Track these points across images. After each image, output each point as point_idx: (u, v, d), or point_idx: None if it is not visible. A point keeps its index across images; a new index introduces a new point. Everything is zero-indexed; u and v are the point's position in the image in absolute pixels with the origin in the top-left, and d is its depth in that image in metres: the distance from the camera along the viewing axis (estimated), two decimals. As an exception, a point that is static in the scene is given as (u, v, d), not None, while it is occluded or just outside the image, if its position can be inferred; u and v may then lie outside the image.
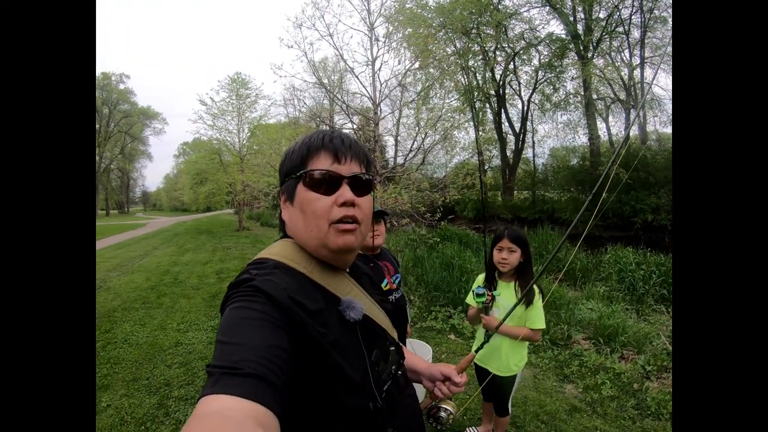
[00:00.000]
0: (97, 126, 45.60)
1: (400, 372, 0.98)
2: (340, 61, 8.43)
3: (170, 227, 24.13)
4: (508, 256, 2.23)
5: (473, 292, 2.34)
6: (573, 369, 3.80)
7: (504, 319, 1.64)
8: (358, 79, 8.45)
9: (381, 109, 8.39)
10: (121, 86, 47.43)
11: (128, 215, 54.49)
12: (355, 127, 8.66)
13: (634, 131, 19.08)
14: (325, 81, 9.86)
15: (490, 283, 2.32)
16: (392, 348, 0.98)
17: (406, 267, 7.14)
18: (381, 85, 8.34)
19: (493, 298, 2.26)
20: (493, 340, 2.23)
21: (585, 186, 17.03)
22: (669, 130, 18.73)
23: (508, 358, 2.33)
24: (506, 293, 2.28)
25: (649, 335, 4.34)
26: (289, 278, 0.80)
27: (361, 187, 0.88)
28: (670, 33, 17.00)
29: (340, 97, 9.12)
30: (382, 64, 8.24)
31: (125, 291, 7.31)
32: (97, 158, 46.63)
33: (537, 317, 2.23)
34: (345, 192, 0.85)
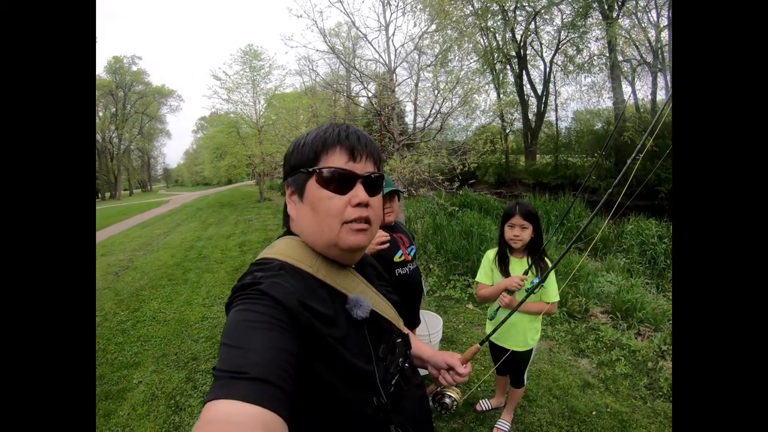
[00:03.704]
0: (113, 109, 46.28)
1: (407, 364, 0.97)
2: (352, 27, 8.16)
3: (192, 202, 24.56)
4: (520, 232, 2.19)
5: (489, 268, 2.33)
6: (589, 343, 3.76)
7: (526, 297, 1.58)
8: (371, 45, 8.19)
9: (397, 75, 8.15)
10: (134, 68, 47.55)
11: (151, 193, 55.77)
12: (370, 94, 8.47)
13: (661, 96, 18.23)
14: (340, 48, 9.58)
15: (503, 260, 2.28)
16: (399, 340, 0.97)
17: (426, 234, 7.12)
18: (396, 50, 8.07)
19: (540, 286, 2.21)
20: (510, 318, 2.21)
21: (610, 151, 16.49)
22: None
23: (525, 334, 2.32)
24: (519, 269, 2.24)
25: (668, 312, 4.23)
26: (295, 280, 0.79)
27: (374, 186, 0.87)
28: None
29: (354, 65, 8.89)
30: (395, 28, 7.93)
31: (151, 269, 7.51)
32: (116, 140, 47.56)
33: (552, 290, 2.23)
34: (360, 192, 0.84)
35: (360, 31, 8.18)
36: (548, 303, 2.23)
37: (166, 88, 51.60)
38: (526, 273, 2.15)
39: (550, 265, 2.18)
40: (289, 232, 0.93)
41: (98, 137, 45.08)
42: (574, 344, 3.81)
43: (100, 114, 45.54)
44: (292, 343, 0.68)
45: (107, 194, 48.05)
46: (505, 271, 2.25)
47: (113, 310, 5.41)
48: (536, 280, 2.12)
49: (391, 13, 7.97)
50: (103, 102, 45.27)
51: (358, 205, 0.83)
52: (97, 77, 41.32)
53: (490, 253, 2.37)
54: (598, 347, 3.71)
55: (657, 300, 4.71)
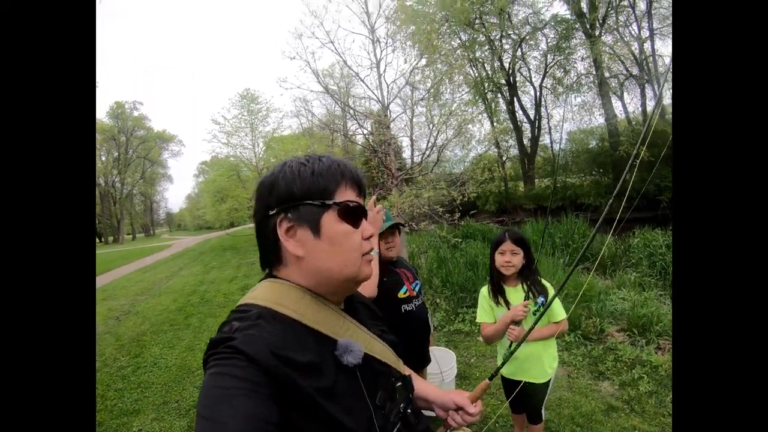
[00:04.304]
0: (115, 153, 46.97)
1: (409, 409, 0.91)
2: (344, 67, 8.38)
3: (195, 246, 24.60)
4: (511, 258, 2.15)
5: (487, 305, 2.24)
6: (608, 365, 3.65)
7: (537, 321, 1.51)
8: (364, 83, 8.38)
9: (390, 111, 8.29)
10: (135, 113, 48.65)
11: (154, 237, 55.95)
12: (366, 132, 8.59)
13: (652, 106, 18.49)
14: (334, 88, 9.80)
15: (497, 292, 2.22)
16: (399, 384, 0.91)
17: (430, 269, 7.04)
18: (388, 87, 8.24)
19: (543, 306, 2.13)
20: (523, 350, 2.12)
21: (607, 168, 16.54)
22: None
23: (542, 362, 2.21)
24: (517, 298, 2.18)
25: None
26: (274, 328, 0.74)
27: (367, 217, 0.88)
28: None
29: (349, 104, 9.07)
30: (386, 65, 8.14)
31: (153, 314, 7.43)
32: (119, 185, 48.09)
33: (557, 309, 2.17)
34: (367, 225, 0.86)
35: (352, 69, 8.39)
36: (557, 323, 2.16)
37: (167, 133, 52.60)
38: (526, 297, 2.09)
39: (545, 285, 2.15)
40: (271, 274, 0.86)
41: (101, 181, 45.57)
42: (592, 367, 3.69)
43: (103, 158, 46.22)
44: (268, 408, 0.65)
45: (110, 238, 48.19)
46: (504, 302, 2.19)
47: (113, 355, 5.30)
48: (541, 300, 2.07)
49: (381, 51, 8.18)
50: (105, 147, 45.98)
51: (370, 236, 0.86)
52: (98, 122, 42.15)
53: (484, 290, 2.31)
54: (618, 367, 3.59)
55: None
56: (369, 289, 1.82)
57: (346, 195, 0.83)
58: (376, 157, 8.03)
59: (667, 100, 18.86)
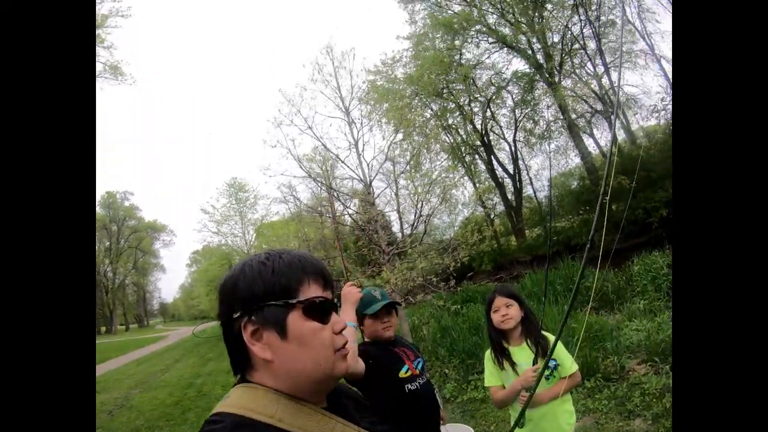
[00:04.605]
0: (107, 243, 46.73)
1: None
2: (325, 150, 8.74)
3: (190, 337, 23.83)
4: (507, 311, 2.11)
5: (493, 368, 2.16)
6: (636, 401, 3.50)
7: (549, 380, 1.54)
8: (345, 164, 8.69)
9: (373, 188, 8.53)
10: (126, 203, 49.08)
11: (148, 328, 54.22)
12: (352, 211, 8.76)
13: (621, 135, 19.23)
14: (318, 171, 10.17)
15: (500, 354, 2.15)
16: None
17: (434, 339, 6.90)
18: (368, 164, 8.55)
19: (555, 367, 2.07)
20: (537, 411, 2.03)
21: (592, 204, 16.77)
22: (652, 122, 18.84)
23: (558, 421, 2.10)
24: (523, 357, 2.11)
25: None
26: None
27: (337, 309, 0.87)
28: (620, 33, 17.85)
29: (333, 186, 9.35)
30: (364, 144, 8.50)
31: (148, 408, 7.11)
32: (111, 274, 47.43)
33: (567, 362, 2.10)
34: (339, 319, 0.84)
35: (332, 152, 8.73)
36: (569, 377, 2.06)
37: (159, 223, 52.79)
38: (535, 360, 2.02)
39: (549, 338, 2.09)
40: (243, 379, 0.82)
41: (91, 270, 44.87)
42: (620, 408, 3.54)
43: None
44: None
45: (102, 329, 46.46)
46: (510, 365, 2.11)
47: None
48: (553, 364, 2.00)
49: (358, 131, 8.58)
50: (97, 236, 45.81)
51: (341, 330, 0.83)
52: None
53: (488, 353, 2.24)
54: (647, 401, 3.44)
55: None
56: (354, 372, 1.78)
57: (311, 291, 0.80)
58: (365, 236, 8.13)
59: (634, 125, 19.77)
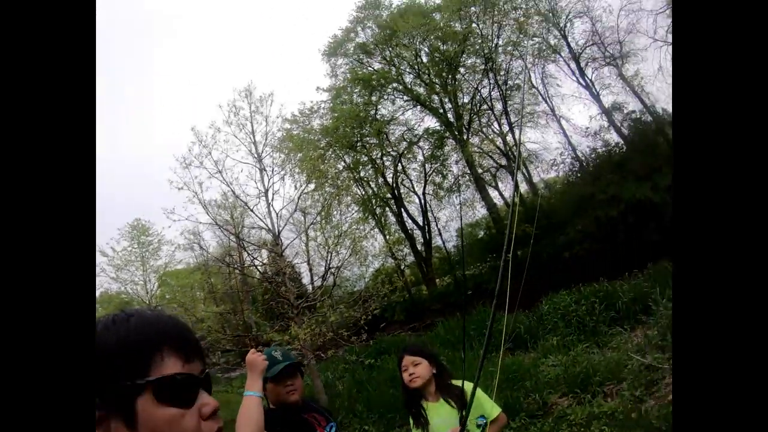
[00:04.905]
0: None
1: None
2: (234, 197, 8.36)
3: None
4: (414, 369, 2.09)
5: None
6: None
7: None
8: (253, 212, 8.37)
9: (282, 240, 8.27)
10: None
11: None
12: (260, 263, 8.36)
13: (524, 187, 21.27)
14: (227, 218, 9.67)
15: (417, 412, 2.10)
16: None
17: (350, 394, 6.60)
18: (278, 214, 8.32)
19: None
20: None
21: (500, 252, 17.91)
22: (551, 174, 21.34)
23: None
24: (441, 413, 2.06)
25: (621, 361, 4.30)
26: None
27: (209, 385, 0.68)
28: (524, 96, 20.28)
29: (240, 236, 8.90)
30: (273, 193, 8.31)
31: None
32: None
33: (488, 406, 2.09)
34: (207, 398, 0.65)
35: (240, 199, 8.36)
36: (495, 421, 2.05)
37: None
38: (462, 420, 1.91)
39: (464, 387, 2.07)
40: None
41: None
42: None
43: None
44: None
45: None
46: (425, 423, 2.05)
47: None
48: (482, 421, 1.98)
49: (269, 179, 8.37)
50: None
51: (213, 414, 0.64)
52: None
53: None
54: (576, 431, 3.54)
55: (605, 355, 4.73)
56: None
57: (168, 366, 0.62)
58: (272, 288, 7.75)
59: (536, 177, 22.00)
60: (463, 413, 1.94)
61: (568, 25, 19.26)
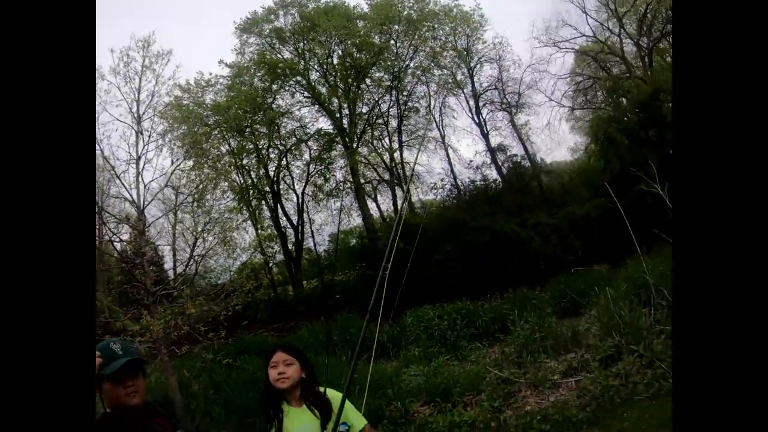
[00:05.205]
0: None
1: None
2: (103, 159, 7.08)
3: None
4: (285, 369, 1.94)
5: None
6: None
7: None
8: (120, 179, 7.22)
9: (146, 217, 7.31)
10: None
11: None
12: (120, 239, 7.27)
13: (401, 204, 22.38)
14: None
15: (275, 415, 1.94)
16: None
17: (206, 395, 6.09)
18: (146, 186, 7.34)
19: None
20: None
21: (369, 262, 18.55)
22: (430, 196, 22.61)
23: None
24: (302, 419, 1.93)
25: (480, 374, 4.62)
26: None
27: None
28: (422, 119, 21.54)
29: (103, 206, 7.58)
30: (146, 162, 7.34)
31: None
32: None
33: (355, 417, 1.99)
34: None
35: (108, 161, 7.14)
36: (360, 431, 1.98)
37: None
38: (323, 425, 1.88)
39: (330, 397, 1.98)
40: None
41: None
42: None
43: None
44: None
45: None
46: (279, 429, 1.89)
47: None
48: (343, 428, 1.88)
49: (144, 145, 7.36)
50: None
51: None
52: None
53: None
54: None
55: (465, 368, 5.07)
56: None
57: None
58: (128, 270, 6.82)
59: (415, 197, 23.33)
60: (326, 422, 1.89)
61: (478, 66, 21.21)
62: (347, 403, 1.93)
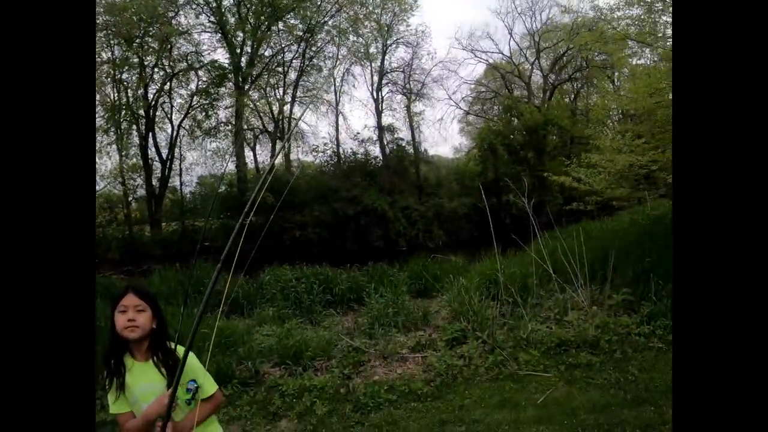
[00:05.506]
0: None
1: None
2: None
3: None
4: (135, 316, 1.64)
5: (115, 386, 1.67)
6: (277, 403, 3.67)
7: (192, 405, 1.52)
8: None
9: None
10: None
11: None
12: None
13: (279, 160, 21.79)
14: None
15: (117, 364, 1.68)
16: None
17: None
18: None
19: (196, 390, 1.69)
20: None
21: (234, 212, 17.84)
22: (309, 158, 22.75)
23: None
24: (147, 376, 1.70)
25: (332, 340, 4.70)
26: None
27: None
28: (323, 80, 20.81)
29: None
30: None
31: None
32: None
33: (205, 382, 1.75)
34: None
35: None
36: (210, 398, 1.76)
37: None
38: (170, 385, 1.61)
39: (178, 353, 1.73)
40: None
41: None
42: (263, 411, 3.62)
43: None
44: None
45: None
46: (121, 385, 1.66)
47: None
48: (192, 385, 1.66)
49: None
50: None
51: None
52: None
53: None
54: (289, 402, 3.66)
55: (317, 333, 5.05)
56: None
57: None
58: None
59: (294, 155, 22.64)
60: (172, 382, 1.54)
61: (394, 45, 21.57)
62: (197, 362, 1.77)
